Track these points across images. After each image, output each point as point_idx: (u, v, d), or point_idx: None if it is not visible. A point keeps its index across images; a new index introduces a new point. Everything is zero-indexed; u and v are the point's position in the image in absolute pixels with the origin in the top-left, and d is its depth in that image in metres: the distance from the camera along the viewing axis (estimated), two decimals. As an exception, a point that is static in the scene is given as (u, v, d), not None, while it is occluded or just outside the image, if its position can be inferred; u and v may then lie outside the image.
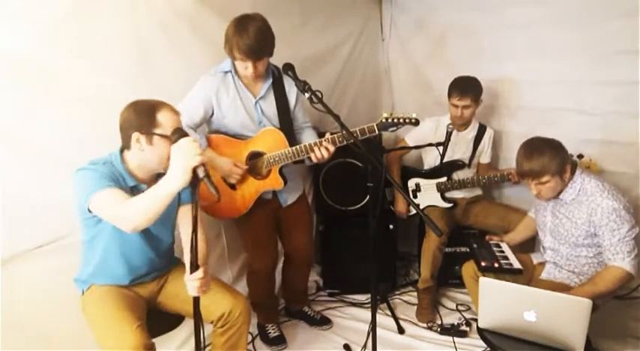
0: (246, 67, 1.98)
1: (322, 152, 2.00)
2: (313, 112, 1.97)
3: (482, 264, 2.13)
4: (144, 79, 2.12)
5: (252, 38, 1.88)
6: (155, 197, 1.42)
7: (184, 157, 1.35)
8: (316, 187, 2.97)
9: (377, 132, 1.94)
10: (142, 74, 2.11)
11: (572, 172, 1.94)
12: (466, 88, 2.57)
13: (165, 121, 1.57)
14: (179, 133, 1.45)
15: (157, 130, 1.57)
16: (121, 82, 1.98)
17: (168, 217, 1.78)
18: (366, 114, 3.44)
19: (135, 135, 1.59)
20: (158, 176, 1.69)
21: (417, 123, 1.94)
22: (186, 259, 1.87)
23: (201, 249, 1.90)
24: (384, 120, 1.93)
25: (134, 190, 1.65)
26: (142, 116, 1.57)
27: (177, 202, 1.82)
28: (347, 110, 3.27)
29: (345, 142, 1.99)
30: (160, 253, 1.82)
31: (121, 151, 1.67)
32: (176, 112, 1.63)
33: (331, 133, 2.03)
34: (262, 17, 1.96)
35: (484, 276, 2.14)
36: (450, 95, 2.62)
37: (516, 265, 2.10)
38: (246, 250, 2.45)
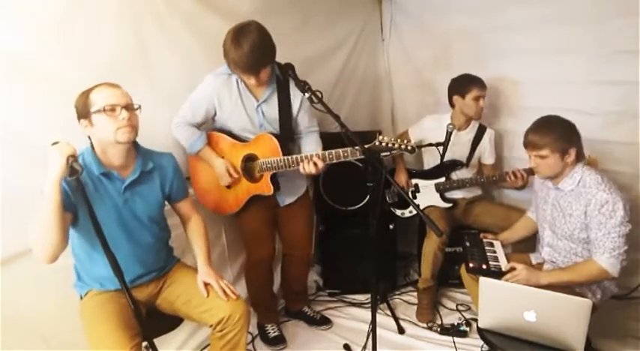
0: (249, 78, 2.00)
1: (310, 167, 1.99)
2: (313, 112, 1.97)
3: (470, 265, 2.13)
4: (144, 79, 2.12)
5: (248, 55, 1.87)
6: (44, 198, 1.44)
7: (59, 147, 1.45)
8: (316, 187, 2.97)
9: (366, 154, 1.82)
10: (142, 74, 2.11)
11: (577, 160, 1.93)
12: (480, 80, 2.59)
13: (98, 97, 1.58)
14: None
15: (93, 108, 1.57)
16: (121, 81, 1.97)
17: (145, 214, 1.76)
18: (366, 114, 3.45)
19: (82, 123, 1.61)
20: (131, 163, 1.71)
21: (412, 151, 1.85)
22: (197, 256, 1.89)
23: (199, 242, 1.92)
24: (377, 143, 1.86)
25: (104, 177, 1.66)
26: (80, 103, 1.59)
27: (160, 198, 1.81)
28: (347, 110, 3.27)
29: (334, 160, 1.98)
30: (144, 253, 1.78)
31: (91, 141, 1.67)
32: (113, 85, 1.62)
33: (325, 144, 2.05)
34: (258, 26, 1.92)
35: (470, 276, 2.17)
36: (467, 91, 2.59)
37: (505, 268, 2.08)
38: (243, 241, 2.47)
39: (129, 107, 1.62)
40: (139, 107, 1.67)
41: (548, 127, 1.91)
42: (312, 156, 2.00)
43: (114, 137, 1.60)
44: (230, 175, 2.13)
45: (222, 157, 2.16)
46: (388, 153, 1.87)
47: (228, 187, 2.20)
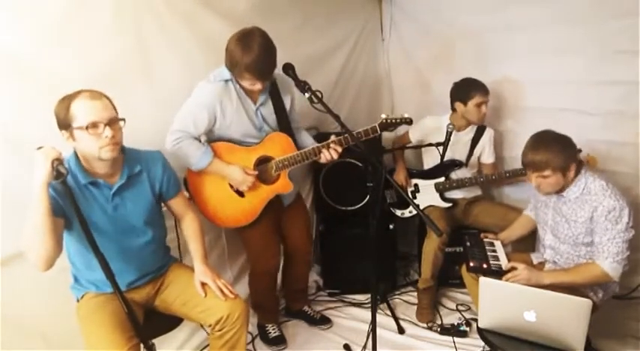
0: (254, 84, 1.97)
1: (331, 154, 2.06)
2: (313, 112, 1.97)
3: (471, 264, 2.13)
4: (144, 79, 2.12)
5: (261, 58, 1.86)
6: (33, 203, 1.43)
7: (44, 151, 1.44)
8: (316, 187, 2.97)
9: (379, 132, 2.06)
10: (142, 74, 2.11)
11: (578, 171, 1.92)
12: (483, 85, 2.60)
13: (78, 111, 1.51)
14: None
15: (74, 124, 1.52)
16: (121, 81, 1.98)
17: (137, 217, 1.74)
18: (366, 114, 3.44)
19: (63, 134, 1.57)
20: (117, 170, 1.69)
21: (410, 122, 2.13)
22: (194, 255, 1.88)
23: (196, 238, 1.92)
24: (384, 121, 2.07)
25: (91, 186, 1.63)
26: (61, 113, 1.54)
27: (151, 199, 1.79)
28: (347, 110, 3.27)
29: (350, 143, 2.05)
30: (139, 256, 1.76)
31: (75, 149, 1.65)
32: (95, 97, 1.55)
33: (336, 135, 2.08)
34: (262, 31, 1.92)
35: (470, 276, 2.17)
36: (469, 98, 2.58)
37: (506, 267, 2.07)
38: (249, 253, 2.41)
39: (112, 122, 1.56)
40: (123, 120, 1.60)
41: (546, 146, 1.87)
42: (328, 143, 2.06)
43: (97, 155, 1.56)
44: (249, 175, 2.08)
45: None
46: (393, 128, 2.12)
47: (242, 195, 2.15)
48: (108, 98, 1.60)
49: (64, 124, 1.54)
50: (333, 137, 2.08)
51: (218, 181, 2.13)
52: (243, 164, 2.10)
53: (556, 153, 1.85)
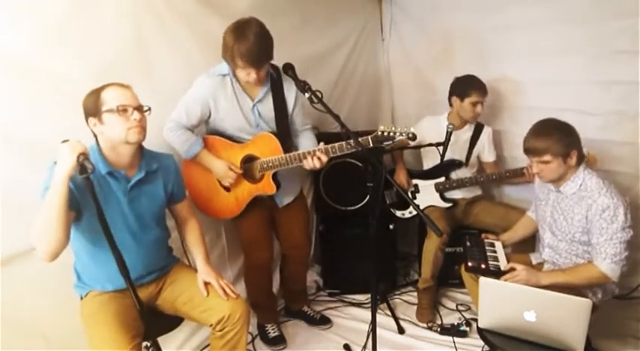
0: (249, 74, 1.97)
1: (314, 162, 2.01)
2: (313, 112, 1.97)
3: (469, 264, 2.13)
4: (144, 79, 2.11)
5: (253, 46, 1.87)
6: (50, 193, 1.44)
7: (70, 144, 1.46)
8: (316, 187, 2.98)
9: (371, 145, 1.91)
10: (142, 74, 2.11)
11: (578, 164, 1.92)
12: (483, 85, 2.60)
13: (109, 97, 1.58)
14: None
15: (104, 107, 1.58)
16: (121, 81, 1.98)
17: (149, 213, 1.76)
18: (366, 114, 3.45)
19: (90, 121, 1.61)
20: (135, 164, 1.72)
21: (414, 138, 1.90)
22: (197, 255, 1.90)
23: (197, 242, 1.93)
24: (379, 134, 1.90)
25: (109, 177, 1.65)
26: (90, 101, 1.60)
27: (164, 198, 1.82)
28: (347, 110, 3.27)
29: (338, 153, 1.99)
30: (147, 253, 1.77)
31: (97, 140, 1.67)
32: (124, 86, 1.63)
33: (327, 140, 2.04)
34: (259, 21, 1.93)
35: (469, 276, 2.18)
36: (466, 95, 2.60)
37: (504, 268, 2.07)
38: (242, 247, 2.46)
39: (140, 109, 1.63)
40: (149, 109, 1.67)
41: (548, 132, 1.90)
42: (314, 151, 2.01)
43: (125, 137, 1.61)
44: (233, 171, 2.10)
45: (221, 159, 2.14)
46: (391, 141, 1.90)
47: (228, 190, 2.18)
48: (134, 92, 1.66)
49: (94, 110, 1.59)
50: (321, 145, 2.04)
51: (209, 173, 2.17)
52: (230, 160, 2.13)
53: (557, 139, 1.87)
